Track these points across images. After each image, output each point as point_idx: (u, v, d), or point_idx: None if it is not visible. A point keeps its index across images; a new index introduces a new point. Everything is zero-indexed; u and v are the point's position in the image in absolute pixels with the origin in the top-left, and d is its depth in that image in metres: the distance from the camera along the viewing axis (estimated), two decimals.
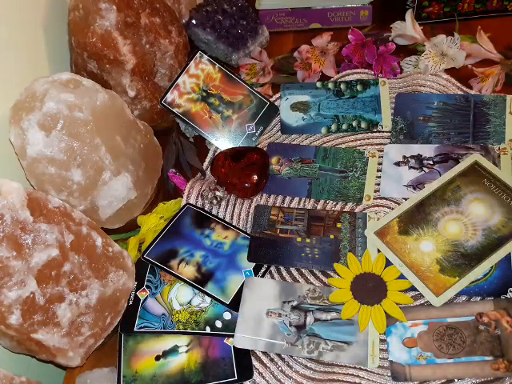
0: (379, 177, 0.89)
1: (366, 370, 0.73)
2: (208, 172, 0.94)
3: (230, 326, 0.77)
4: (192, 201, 0.89)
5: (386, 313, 0.75)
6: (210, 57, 0.98)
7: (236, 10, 1.06)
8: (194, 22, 1.06)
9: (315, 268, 0.81)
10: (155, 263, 0.82)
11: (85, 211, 0.79)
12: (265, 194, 0.90)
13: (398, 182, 0.87)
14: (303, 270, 0.82)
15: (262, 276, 0.81)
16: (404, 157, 0.89)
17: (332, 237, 0.83)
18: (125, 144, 0.82)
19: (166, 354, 0.76)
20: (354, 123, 0.94)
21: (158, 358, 0.76)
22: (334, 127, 0.95)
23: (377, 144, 0.93)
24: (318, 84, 0.98)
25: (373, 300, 0.76)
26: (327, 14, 1.10)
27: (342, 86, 0.97)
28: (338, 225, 0.84)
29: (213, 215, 0.88)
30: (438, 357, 0.72)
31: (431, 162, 0.88)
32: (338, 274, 0.79)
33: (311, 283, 0.81)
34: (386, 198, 0.87)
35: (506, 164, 0.85)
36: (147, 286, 0.81)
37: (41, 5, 0.93)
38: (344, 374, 0.73)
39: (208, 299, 0.79)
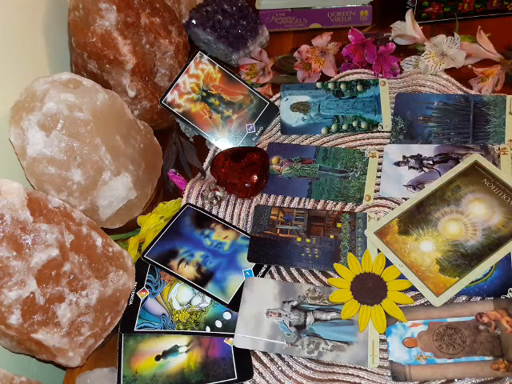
0: (379, 177, 0.89)
1: (366, 370, 0.73)
2: (208, 172, 0.94)
3: (229, 326, 0.77)
4: (192, 201, 0.89)
5: (386, 313, 0.75)
6: (210, 57, 0.98)
7: (236, 10, 1.06)
8: (193, 22, 1.06)
9: (315, 268, 0.81)
10: (155, 263, 0.82)
11: (85, 211, 0.79)
12: (265, 194, 0.90)
13: (397, 181, 0.87)
14: (303, 270, 0.82)
15: (262, 276, 0.81)
16: (404, 157, 0.89)
17: (332, 237, 0.83)
18: (125, 144, 0.82)
19: (166, 353, 0.76)
20: (354, 123, 0.94)
21: (158, 358, 0.76)
22: (333, 127, 0.95)
23: (377, 144, 0.93)
24: (318, 84, 0.98)
25: (373, 300, 0.76)
26: (327, 14, 1.10)
27: (342, 87, 0.97)
28: (338, 225, 0.84)
29: (213, 215, 0.88)
30: (438, 357, 0.72)
31: (431, 162, 0.88)
32: (338, 274, 0.79)
33: (311, 283, 0.81)
34: (386, 198, 0.87)
35: (506, 164, 0.85)
36: (147, 286, 0.81)
37: (41, 5, 0.93)
38: (344, 373, 0.73)
39: (208, 299, 0.79)
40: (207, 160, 0.96)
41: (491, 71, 0.94)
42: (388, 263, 0.79)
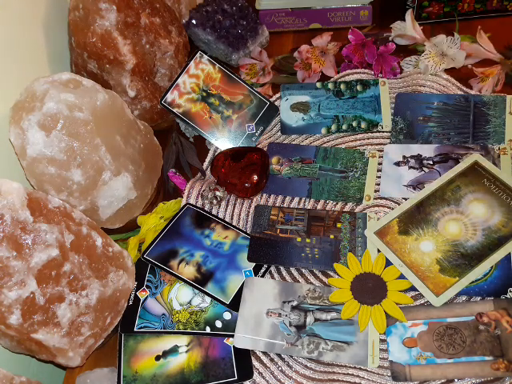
0: (379, 177, 0.89)
1: (366, 370, 0.73)
2: (208, 172, 0.94)
3: (229, 326, 0.77)
4: (192, 201, 0.89)
5: (386, 313, 0.75)
6: (210, 57, 0.98)
7: (236, 10, 1.06)
8: (193, 22, 1.06)
9: (315, 268, 0.81)
10: (155, 263, 0.82)
11: (85, 211, 0.79)
12: (265, 194, 0.90)
13: (397, 182, 0.87)
14: (303, 270, 0.82)
15: (262, 276, 0.81)
16: (404, 157, 0.89)
17: (332, 237, 0.83)
18: (125, 144, 0.82)
19: (166, 353, 0.76)
20: (354, 123, 0.94)
21: (158, 357, 0.76)
22: (333, 127, 0.95)
23: (377, 144, 0.93)
24: (318, 84, 0.98)
25: (373, 300, 0.76)
26: (327, 14, 1.10)
27: (342, 87, 0.97)
28: (338, 225, 0.84)
29: (213, 215, 0.88)
30: (438, 357, 0.72)
31: (431, 162, 0.88)
32: (338, 274, 0.79)
33: (311, 283, 0.81)
34: (386, 198, 0.87)
35: (506, 164, 0.85)
36: (147, 286, 0.81)
37: (41, 5, 0.93)
38: (344, 373, 0.73)
39: (208, 299, 0.79)
40: (207, 160, 0.96)
41: (491, 71, 0.94)
42: (388, 263, 0.79)
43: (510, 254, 0.77)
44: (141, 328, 0.78)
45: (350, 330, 0.75)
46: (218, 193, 0.88)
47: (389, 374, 0.72)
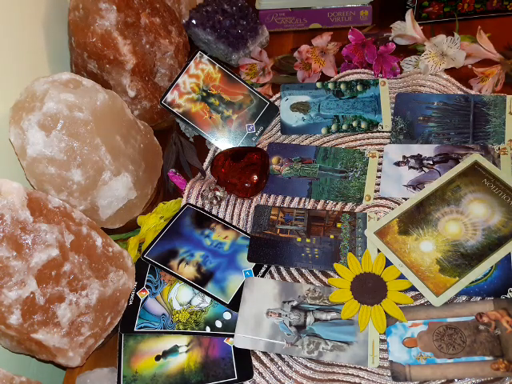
0: (379, 177, 0.89)
1: (366, 370, 0.73)
2: (208, 172, 0.94)
3: (229, 326, 0.77)
4: (192, 201, 0.89)
5: (386, 313, 0.75)
6: (210, 57, 0.98)
7: (236, 10, 1.06)
8: (193, 22, 1.06)
9: (315, 268, 0.81)
10: (155, 263, 0.82)
11: (85, 211, 0.79)
12: (265, 194, 0.90)
13: (397, 182, 0.87)
14: (303, 270, 0.82)
15: (262, 276, 0.81)
16: (404, 157, 0.89)
17: (332, 237, 0.83)
18: (125, 144, 0.82)
19: (166, 353, 0.76)
20: (354, 123, 0.94)
21: (158, 357, 0.76)
22: (333, 127, 0.95)
23: (377, 144, 0.93)
24: (318, 84, 0.98)
25: (373, 300, 0.76)
26: (327, 14, 1.10)
27: (342, 87, 0.97)
28: (338, 225, 0.84)
29: (213, 215, 0.88)
30: (438, 357, 0.72)
31: (431, 162, 0.88)
32: (338, 274, 0.79)
33: (311, 283, 0.81)
34: (386, 198, 0.87)
35: (506, 164, 0.85)
36: (147, 286, 0.81)
37: (41, 5, 0.93)
38: (344, 373, 0.73)
39: (208, 299, 0.79)
40: (207, 160, 0.96)
41: (491, 71, 0.94)
42: (388, 263, 0.79)
43: (509, 253, 0.77)
44: (141, 328, 0.78)
45: (349, 329, 0.75)
46: (218, 193, 0.88)
47: (389, 374, 0.72)
